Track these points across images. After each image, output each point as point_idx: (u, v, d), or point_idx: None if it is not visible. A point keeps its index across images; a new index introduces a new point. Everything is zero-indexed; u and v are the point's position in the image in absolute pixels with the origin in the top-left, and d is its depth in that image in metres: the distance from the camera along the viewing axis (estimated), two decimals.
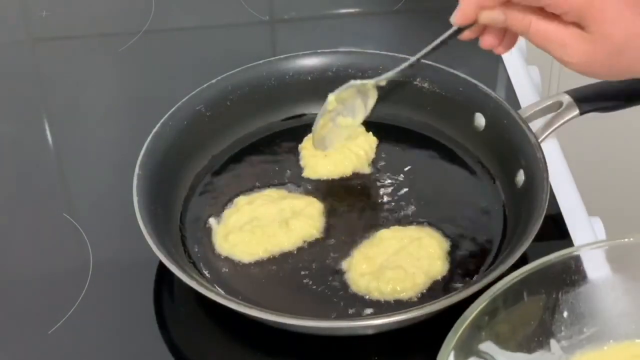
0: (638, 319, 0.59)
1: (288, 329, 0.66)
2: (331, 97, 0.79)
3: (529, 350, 0.58)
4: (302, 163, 0.82)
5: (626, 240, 0.59)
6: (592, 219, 0.78)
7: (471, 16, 0.68)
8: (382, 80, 0.80)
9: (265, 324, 0.66)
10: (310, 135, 0.83)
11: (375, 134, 0.83)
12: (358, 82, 0.80)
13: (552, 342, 0.58)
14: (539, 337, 0.58)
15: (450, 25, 0.71)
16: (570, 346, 0.58)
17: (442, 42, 0.73)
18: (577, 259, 0.59)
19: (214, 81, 0.85)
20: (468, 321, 0.55)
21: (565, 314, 0.59)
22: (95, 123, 0.92)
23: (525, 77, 0.94)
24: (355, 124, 0.81)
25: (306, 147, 0.82)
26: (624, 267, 0.59)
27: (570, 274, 0.58)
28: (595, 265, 0.59)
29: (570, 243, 0.74)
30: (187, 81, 0.87)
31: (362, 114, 0.81)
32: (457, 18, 0.69)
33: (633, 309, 0.59)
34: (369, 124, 0.83)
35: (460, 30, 0.70)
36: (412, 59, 0.77)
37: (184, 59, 1.01)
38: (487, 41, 0.71)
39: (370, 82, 0.79)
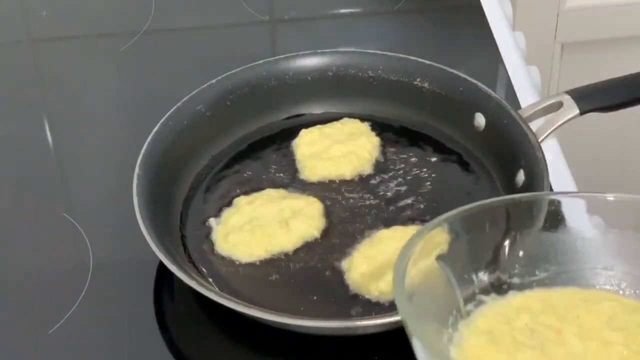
0: (588, 271, 0.61)
1: (288, 329, 0.66)
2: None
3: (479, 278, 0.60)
4: (299, 165, 0.82)
5: (598, 194, 0.60)
6: None
7: None
8: None
9: (265, 324, 0.66)
10: (302, 134, 0.83)
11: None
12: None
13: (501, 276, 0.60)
14: (492, 269, 0.60)
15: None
16: (521, 284, 0.60)
17: None
18: (543, 203, 0.61)
19: (214, 81, 0.85)
20: (429, 233, 0.57)
21: (520, 253, 0.60)
22: (95, 123, 0.92)
23: (525, 77, 0.94)
24: None
25: (302, 151, 0.82)
26: (597, 218, 0.60)
27: (533, 217, 0.60)
28: (564, 214, 0.60)
29: None
30: (187, 81, 0.87)
31: None
32: None
33: (588, 261, 0.61)
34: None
35: None
36: None
37: (184, 59, 1.01)
38: None
39: None
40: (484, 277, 0.60)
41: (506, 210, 0.60)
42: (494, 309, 0.59)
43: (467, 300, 0.59)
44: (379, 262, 0.71)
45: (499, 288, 0.60)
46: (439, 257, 0.57)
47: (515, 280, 0.60)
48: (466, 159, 0.82)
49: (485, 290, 0.60)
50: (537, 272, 0.60)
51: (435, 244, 0.57)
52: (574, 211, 0.60)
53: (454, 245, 0.58)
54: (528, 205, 0.61)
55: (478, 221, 0.59)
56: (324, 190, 0.80)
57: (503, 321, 0.58)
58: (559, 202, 0.60)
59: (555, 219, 0.60)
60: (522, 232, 0.60)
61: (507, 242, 0.60)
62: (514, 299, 0.60)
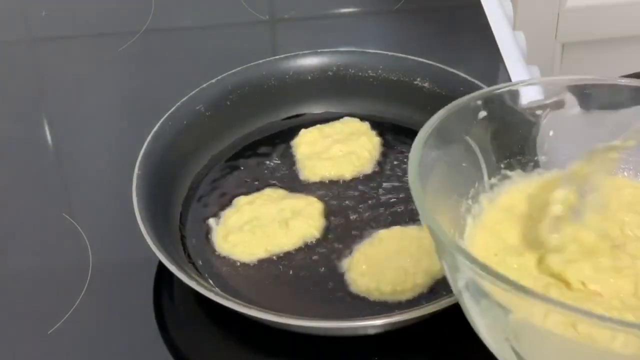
0: None
1: (288, 329, 0.66)
2: None
3: (512, 155, 0.61)
4: (299, 165, 0.82)
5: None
6: None
7: None
8: None
9: (265, 324, 0.66)
10: (302, 134, 0.83)
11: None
12: None
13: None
14: (520, 147, 0.61)
15: None
16: (548, 163, 0.61)
17: None
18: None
19: (214, 81, 0.85)
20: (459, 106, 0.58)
21: (551, 132, 0.61)
22: (95, 123, 0.92)
23: (526, 76, 0.93)
24: None
25: (302, 151, 0.82)
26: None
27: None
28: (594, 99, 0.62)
29: None
30: (187, 81, 0.87)
31: None
32: None
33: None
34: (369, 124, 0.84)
35: None
36: None
37: (184, 59, 1.01)
38: None
39: None
40: (511, 154, 0.61)
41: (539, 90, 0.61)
42: (517, 186, 0.61)
43: (491, 174, 0.60)
44: (379, 262, 0.71)
45: (525, 165, 0.61)
46: (467, 132, 0.58)
47: (543, 158, 0.61)
48: None
49: (511, 166, 0.61)
50: (566, 152, 0.61)
51: (463, 119, 0.58)
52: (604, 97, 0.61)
53: (483, 122, 0.59)
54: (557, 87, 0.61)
55: (508, 100, 0.60)
56: (324, 190, 0.79)
57: (524, 199, 0.59)
58: (592, 86, 0.61)
59: (585, 102, 0.61)
60: (554, 112, 0.61)
61: (538, 121, 0.61)
62: (539, 179, 0.61)
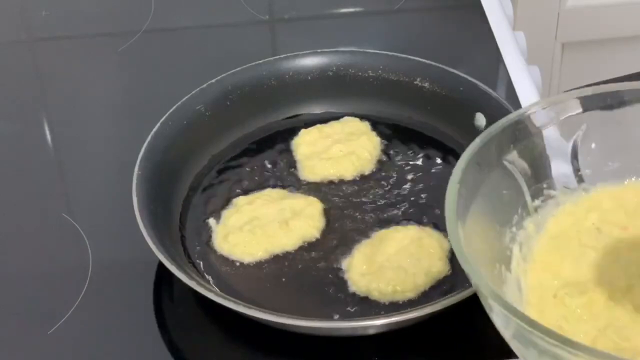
0: None
1: (288, 329, 0.66)
2: None
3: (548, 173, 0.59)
4: (299, 165, 0.82)
5: None
6: None
7: None
8: None
9: (265, 324, 0.66)
10: (302, 134, 0.83)
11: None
12: None
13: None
14: (562, 164, 0.60)
15: None
16: (592, 175, 0.59)
17: None
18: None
19: (214, 81, 0.85)
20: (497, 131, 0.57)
21: (593, 145, 0.59)
22: (95, 123, 0.92)
23: (526, 76, 0.93)
24: None
25: (302, 151, 0.82)
26: None
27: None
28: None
29: None
30: (187, 81, 0.87)
31: None
32: None
33: None
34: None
35: None
36: None
37: (184, 59, 1.01)
38: None
39: None
40: (552, 171, 0.59)
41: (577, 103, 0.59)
42: (563, 207, 0.59)
43: (534, 196, 0.58)
44: (379, 262, 0.71)
45: (568, 181, 0.59)
46: (504, 157, 0.57)
47: (587, 172, 0.59)
48: None
49: (553, 185, 0.59)
50: (609, 163, 0.59)
51: (498, 144, 0.57)
52: None
53: (519, 144, 0.58)
54: (600, 97, 0.60)
55: (542, 118, 0.58)
56: (324, 190, 0.79)
57: (571, 222, 0.57)
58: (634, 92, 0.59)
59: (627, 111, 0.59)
60: (592, 124, 0.59)
61: (579, 135, 0.59)
62: (584, 196, 0.59)
